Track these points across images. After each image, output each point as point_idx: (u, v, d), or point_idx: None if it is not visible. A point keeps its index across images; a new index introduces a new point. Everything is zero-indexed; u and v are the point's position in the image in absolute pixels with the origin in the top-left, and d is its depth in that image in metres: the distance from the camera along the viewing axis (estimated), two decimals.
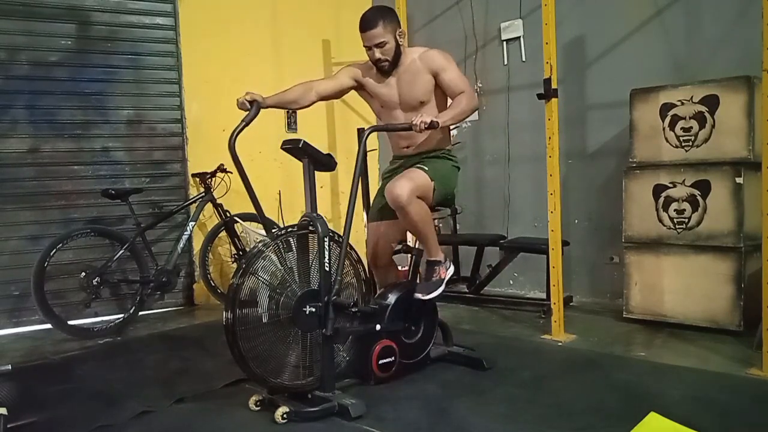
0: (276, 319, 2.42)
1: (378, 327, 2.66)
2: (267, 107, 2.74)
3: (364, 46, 2.79)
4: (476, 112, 2.84)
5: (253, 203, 2.66)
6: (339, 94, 2.97)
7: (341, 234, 2.53)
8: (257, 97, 2.67)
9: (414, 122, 2.53)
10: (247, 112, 2.63)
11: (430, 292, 2.74)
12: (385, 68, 2.80)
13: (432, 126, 2.54)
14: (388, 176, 3.00)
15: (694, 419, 2.08)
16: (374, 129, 2.75)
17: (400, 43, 2.79)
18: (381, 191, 2.96)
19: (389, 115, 2.91)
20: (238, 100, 2.68)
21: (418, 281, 2.95)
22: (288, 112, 4.88)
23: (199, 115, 4.66)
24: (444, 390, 2.64)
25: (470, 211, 4.93)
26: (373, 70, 2.87)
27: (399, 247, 4.28)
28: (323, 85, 2.91)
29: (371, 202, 3.14)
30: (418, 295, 2.74)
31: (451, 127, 3.10)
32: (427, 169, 2.74)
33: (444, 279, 2.80)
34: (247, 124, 2.59)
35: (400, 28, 2.80)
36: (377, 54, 2.76)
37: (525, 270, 4.60)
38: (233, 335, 2.32)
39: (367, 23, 2.73)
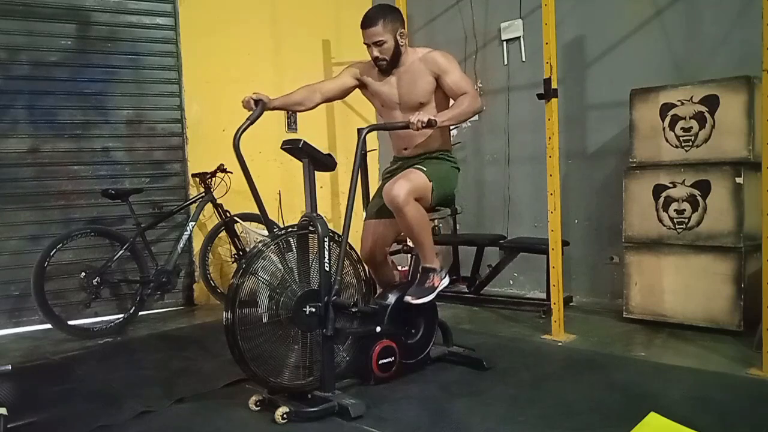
0: (276, 319, 2.42)
1: (378, 327, 2.66)
2: (272, 108, 2.76)
3: (364, 42, 2.79)
4: (481, 111, 2.81)
5: (257, 203, 2.64)
6: (343, 94, 2.98)
7: (341, 234, 2.53)
8: (263, 97, 2.68)
9: (411, 120, 2.51)
10: (252, 111, 2.65)
11: (420, 297, 2.71)
12: (383, 67, 2.80)
13: (429, 125, 2.52)
14: (387, 177, 2.99)
15: (694, 419, 2.08)
16: (372, 128, 2.76)
17: (401, 43, 2.78)
18: (380, 191, 2.96)
19: (389, 114, 2.91)
20: (243, 99, 2.69)
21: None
22: (288, 112, 4.89)
23: (199, 115, 4.66)
24: (444, 390, 2.64)
25: (470, 211, 4.93)
26: (375, 69, 2.87)
27: (399, 247, 4.28)
28: (327, 86, 2.93)
29: (371, 200, 3.14)
30: (408, 298, 2.71)
31: (451, 127, 3.10)
32: (425, 169, 2.74)
33: (437, 287, 2.77)
34: (251, 123, 2.61)
35: (402, 28, 2.78)
36: (375, 52, 2.76)
37: (525, 270, 4.60)
38: (233, 335, 2.32)
39: (367, 21, 2.74)
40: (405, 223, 2.67)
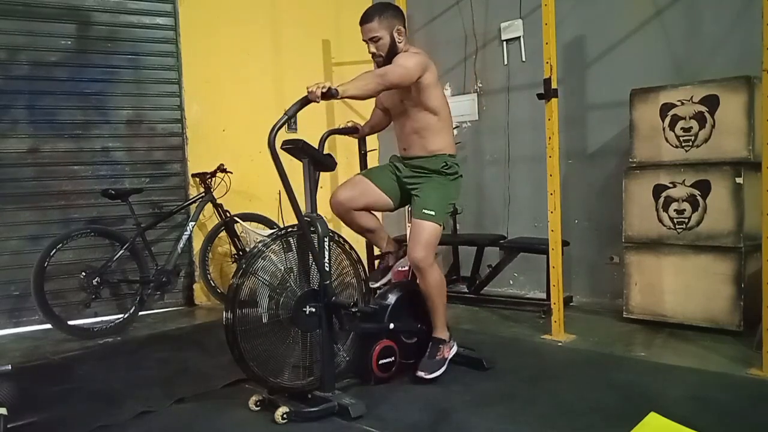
0: (276, 319, 2.42)
1: (378, 327, 2.66)
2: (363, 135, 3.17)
3: (363, 40, 2.80)
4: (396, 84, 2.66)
5: (291, 202, 2.45)
6: (387, 120, 3.10)
7: (341, 234, 2.53)
8: (358, 124, 3.09)
9: (308, 88, 2.32)
10: (346, 127, 3.08)
11: (433, 372, 2.73)
12: (379, 64, 2.80)
13: (329, 93, 2.33)
14: (392, 166, 2.97)
15: (694, 419, 2.08)
16: (330, 132, 3.12)
17: (398, 40, 2.76)
18: (386, 167, 3.00)
19: (393, 114, 2.94)
20: (348, 125, 3.13)
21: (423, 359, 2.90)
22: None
23: (199, 115, 4.66)
24: (444, 390, 2.64)
25: (470, 211, 4.93)
26: None
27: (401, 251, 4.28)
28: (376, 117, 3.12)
29: (376, 167, 3.20)
30: (421, 374, 2.72)
31: (453, 128, 3.08)
32: (433, 214, 2.73)
33: (447, 358, 2.80)
34: (343, 132, 3.13)
35: (400, 26, 2.77)
36: (371, 48, 2.77)
37: (525, 270, 4.60)
38: (233, 335, 2.32)
39: (364, 17, 2.76)
40: (425, 285, 2.75)
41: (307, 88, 2.34)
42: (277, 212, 4.81)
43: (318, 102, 2.36)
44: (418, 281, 2.80)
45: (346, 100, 2.54)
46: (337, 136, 3.24)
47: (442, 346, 2.80)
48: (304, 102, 2.36)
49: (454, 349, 2.87)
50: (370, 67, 2.78)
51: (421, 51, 2.81)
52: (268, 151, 2.25)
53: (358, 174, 3.03)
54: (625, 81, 3.82)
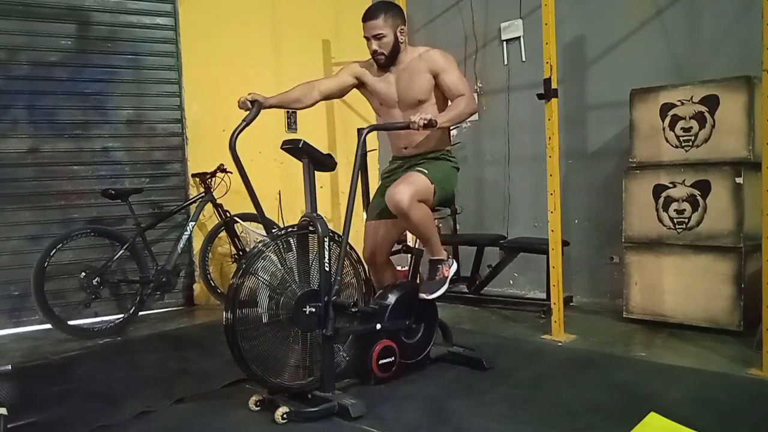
0: (276, 319, 2.42)
1: (378, 327, 2.66)
2: (269, 107, 2.74)
3: (364, 36, 2.80)
4: (476, 113, 2.81)
5: (254, 203, 2.65)
6: (341, 93, 2.96)
7: (341, 234, 2.53)
8: (259, 97, 2.66)
9: (412, 119, 2.52)
10: (248, 112, 2.63)
11: (434, 291, 2.75)
12: (381, 62, 2.80)
13: (430, 124, 2.53)
14: (387, 176, 3.00)
15: (694, 419, 2.08)
16: (373, 128, 2.76)
17: (401, 40, 2.78)
18: (380, 191, 2.96)
19: (387, 113, 2.91)
20: (239, 99, 2.67)
21: (419, 281, 2.94)
22: (288, 112, 4.89)
23: (199, 115, 4.66)
24: (444, 390, 2.64)
25: (470, 211, 4.93)
26: (374, 66, 2.87)
27: (399, 247, 4.28)
28: (325, 84, 2.91)
29: (371, 201, 3.14)
30: (423, 295, 2.74)
31: (451, 127, 3.09)
32: (426, 172, 2.73)
33: (447, 277, 2.81)
34: (247, 124, 2.59)
35: (403, 25, 2.79)
36: (374, 45, 2.77)
37: (525, 270, 4.60)
38: (233, 335, 2.32)
39: (369, 13, 2.76)
40: (411, 226, 2.71)
41: (411, 118, 2.52)
42: (277, 212, 4.82)
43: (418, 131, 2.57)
44: (402, 224, 2.75)
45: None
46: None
47: (440, 266, 2.81)
48: (402, 127, 2.64)
49: (454, 267, 2.87)
50: None
51: (431, 47, 2.86)
52: (229, 153, 2.41)
53: (366, 221, 3.05)
54: (625, 81, 3.82)
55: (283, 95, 2.80)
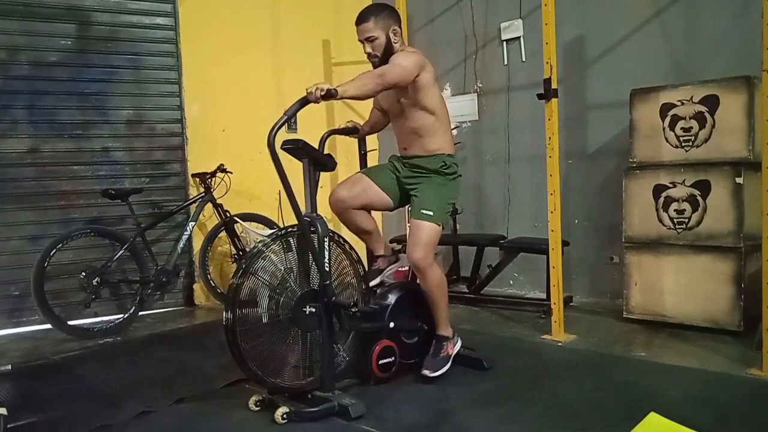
0: (276, 319, 2.42)
1: (379, 327, 2.66)
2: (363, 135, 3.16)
3: (358, 39, 2.81)
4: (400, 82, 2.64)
5: (290, 201, 2.45)
6: (385, 120, 3.10)
7: (341, 234, 2.53)
8: (358, 124, 3.08)
9: (307, 89, 2.35)
10: (346, 127, 3.06)
11: (437, 370, 2.73)
12: (375, 64, 2.80)
13: (329, 94, 2.33)
14: (392, 166, 2.96)
15: (694, 419, 2.08)
16: (330, 133, 3.10)
17: (393, 41, 2.77)
18: (386, 166, 3.00)
19: (392, 120, 2.94)
20: (349, 125, 3.11)
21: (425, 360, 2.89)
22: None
23: (199, 115, 4.66)
24: (444, 390, 2.64)
25: (470, 211, 4.93)
26: None
27: (399, 247, 4.28)
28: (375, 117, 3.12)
29: (376, 166, 3.20)
30: (425, 372, 2.72)
31: (452, 128, 3.08)
32: (431, 214, 2.73)
33: (451, 355, 2.81)
34: (339, 132, 3.10)
35: (396, 26, 2.78)
36: (368, 48, 2.78)
37: (525, 270, 4.60)
38: (233, 335, 2.32)
39: (360, 17, 2.77)
40: (426, 284, 2.75)
41: (307, 89, 2.34)
42: (277, 212, 4.81)
43: (318, 102, 2.36)
44: (418, 281, 2.80)
45: (345, 99, 2.54)
46: (337, 136, 3.24)
47: (445, 344, 2.80)
48: (304, 102, 2.36)
49: (458, 346, 2.88)
50: (370, 68, 2.78)
51: (418, 51, 2.82)
52: (268, 151, 2.25)
53: (358, 172, 3.03)
54: (625, 81, 3.82)
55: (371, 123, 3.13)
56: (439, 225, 2.77)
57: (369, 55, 2.79)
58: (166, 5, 4.56)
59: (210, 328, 3.80)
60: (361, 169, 3.19)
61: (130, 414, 2.43)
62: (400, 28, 2.83)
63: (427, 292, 2.78)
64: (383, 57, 2.77)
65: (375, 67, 2.80)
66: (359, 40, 2.80)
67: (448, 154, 2.86)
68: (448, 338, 2.82)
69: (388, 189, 2.91)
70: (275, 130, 2.26)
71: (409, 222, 3.07)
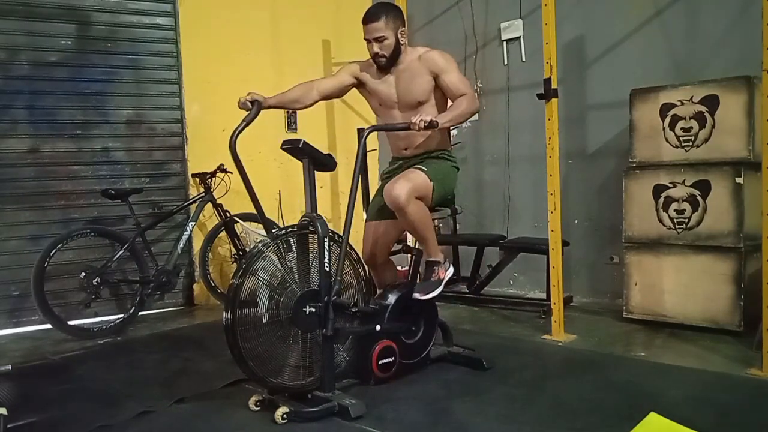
0: (276, 319, 2.42)
1: (378, 327, 2.66)
2: (268, 107, 2.75)
3: (364, 38, 2.79)
4: (478, 112, 2.80)
5: (254, 203, 2.65)
6: (340, 92, 2.97)
7: (341, 234, 2.53)
8: (258, 97, 2.67)
9: (413, 120, 2.51)
10: (248, 112, 2.63)
11: (428, 292, 2.73)
12: (382, 64, 2.80)
13: (431, 125, 2.52)
14: (387, 177, 2.99)
15: (694, 419, 2.08)
16: (374, 128, 2.75)
17: (401, 41, 2.78)
18: (380, 191, 2.96)
19: (387, 113, 2.91)
20: (239, 100, 2.68)
21: (417, 281, 2.95)
22: (288, 112, 4.88)
23: (199, 115, 4.66)
24: (444, 390, 2.64)
25: (470, 211, 4.93)
26: (373, 67, 2.86)
27: (399, 247, 4.28)
28: (324, 84, 2.92)
29: (371, 201, 3.14)
30: (417, 295, 2.73)
31: (451, 128, 3.10)
32: (426, 169, 2.73)
33: (443, 279, 2.79)
34: (247, 124, 2.59)
35: (403, 26, 2.79)
36: (375, 48, 2.76)
37: (525, 270, 4.60)
38: (233, 335, 2.32)
39: (370, 16, 2.75)
40: (408, 222, 2.68)
41: (411, 119, 2.51)
42: (277, 212, 4.82)
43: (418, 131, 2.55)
44: (400, 220, 2.72)
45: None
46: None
47: (437, 268, 2.79)
48: (403, 128, 2.61)
49: (450, 271, 2.86)
50: None
51: (430, 48, 2.86)
52: (230, 152, 2.41)
53: (366, 221, 3.05)
54: (625, 81, 3.82)
55: (282, 95, 2.81)
56: (431, 183, 2.72)
57: (376, 54, 2.78)
58: (166, 5, 4.56)
59: (210, 328, 3.80)
60: (358, 169, 3.15)
61: (130, 414, 2.43)
62: (405, 27, 2.83)
63: (410, 228, 2.74)
64: (390, 58, 2.78)
65: (380, 67, 2.81)
66: (366, 39, 2.78)
67: (447, 150, 2.96)
68: (439, 263, 2.80)
69: (391, 215, 2.80)
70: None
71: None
